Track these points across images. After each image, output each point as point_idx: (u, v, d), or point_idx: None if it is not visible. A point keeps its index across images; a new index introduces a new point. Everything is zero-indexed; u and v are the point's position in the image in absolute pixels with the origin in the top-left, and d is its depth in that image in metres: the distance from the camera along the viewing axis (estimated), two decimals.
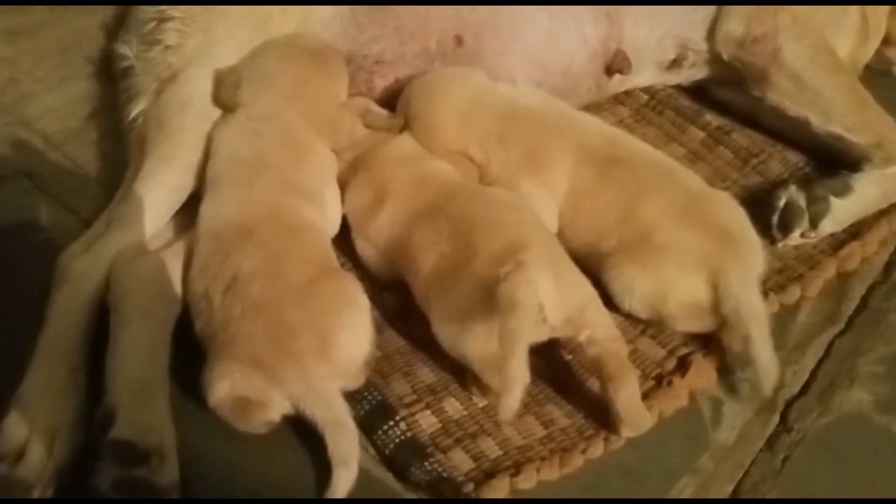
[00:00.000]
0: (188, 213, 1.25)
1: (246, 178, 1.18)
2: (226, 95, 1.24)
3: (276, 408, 1.02)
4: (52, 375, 1.06)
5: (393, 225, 1.20)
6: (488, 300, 1.02)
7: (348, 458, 0.98)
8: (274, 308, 1.04)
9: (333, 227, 1.25)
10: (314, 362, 1.02)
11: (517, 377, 0.96)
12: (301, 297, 1.06)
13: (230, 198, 1.17)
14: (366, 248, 1.23)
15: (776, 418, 1.15)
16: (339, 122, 1.28)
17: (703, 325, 1.16)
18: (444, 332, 1.09)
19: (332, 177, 1.27)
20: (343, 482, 0.98)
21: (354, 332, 1.07)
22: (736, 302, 1.11)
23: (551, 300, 1.04)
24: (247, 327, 1.03)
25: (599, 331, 1.08)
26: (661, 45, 1.53)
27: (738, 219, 1.21)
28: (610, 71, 1.51)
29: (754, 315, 1.11)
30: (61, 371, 1.07)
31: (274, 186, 1.18)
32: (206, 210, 1.18)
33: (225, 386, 1.01)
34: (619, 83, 1.55)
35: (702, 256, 1.15)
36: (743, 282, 1.14)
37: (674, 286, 1.15)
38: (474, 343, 1.05)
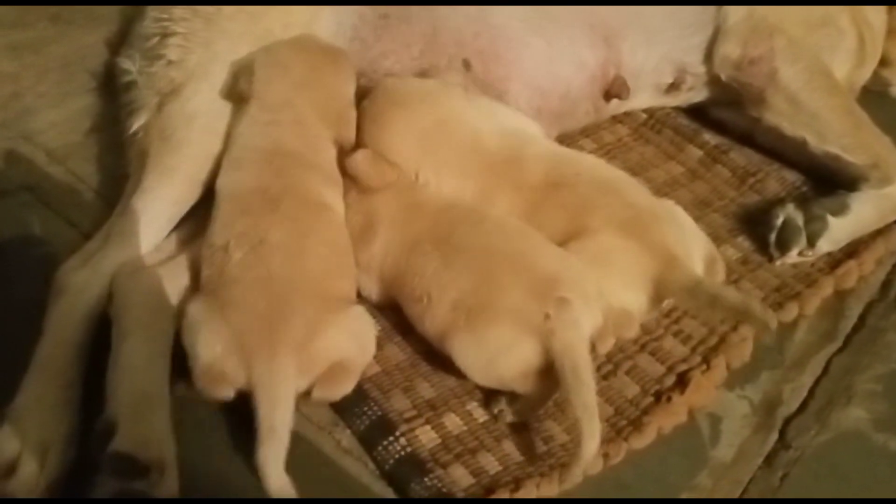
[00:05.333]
0: (189, 225, 1.26)
1: (264, 158, 1.19)
2: (241, 84, 1.25)
3: (239, 386, 1.03)
4: (47, 390, 1.06)
5: (386, 255, 1.18)
6: (529, 327, 1.05)
7: (264, 465, 0.97)
8: (284, 288, 1.06)
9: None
10: (286, 354, 1.01)
11: (594, 403, 1.00)
12: (311, 287, 1.07)
13: (250, 169, 1.18)
14: (359, 276, 1.20)
15: (775, 436, 1.15)
16: (348, 115, 1.28)
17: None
18: (476, 364, 1.08)
19: (339, 173, 1.25)
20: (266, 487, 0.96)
21: (342, 333, 1.07)
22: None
23: (594, 328, 1.08)
24: (252, 296, 1.04)
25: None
26: (658, 69, 1.54)
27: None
28: (608, 96, 1.52)
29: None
30: (56, 386, 1.07)
31: (293, 164, 1.19)
32: (226, 179, 1.18)
33: (208, 357, 1.03)
34: (616, 107, 1.57)
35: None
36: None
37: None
38: (515, 365, 1.06)
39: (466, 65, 1.42)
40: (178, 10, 1.32)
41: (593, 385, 1.02)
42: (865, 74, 1.60)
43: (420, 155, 1.24)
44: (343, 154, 1.24)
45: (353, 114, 1.28)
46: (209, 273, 1.10)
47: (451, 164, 1.25)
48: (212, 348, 1.03)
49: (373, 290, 1.22)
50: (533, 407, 1.10)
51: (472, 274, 1.10)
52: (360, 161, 1.21)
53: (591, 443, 1.00)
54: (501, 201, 1.23)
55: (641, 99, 1.58)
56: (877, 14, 1.58)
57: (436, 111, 1.27)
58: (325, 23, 1.37)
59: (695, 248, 1.21)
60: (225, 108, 1.27)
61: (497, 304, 1.07)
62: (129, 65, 1.34)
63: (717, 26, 1.49)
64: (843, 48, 1.53)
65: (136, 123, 1.29)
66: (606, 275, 1.13)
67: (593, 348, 1.10)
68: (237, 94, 1.26)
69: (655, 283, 1.13)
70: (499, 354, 1.07)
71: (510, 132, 1.29)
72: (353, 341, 1.09)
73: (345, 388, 1.09)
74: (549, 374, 1.05)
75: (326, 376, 1.06)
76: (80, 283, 1.16)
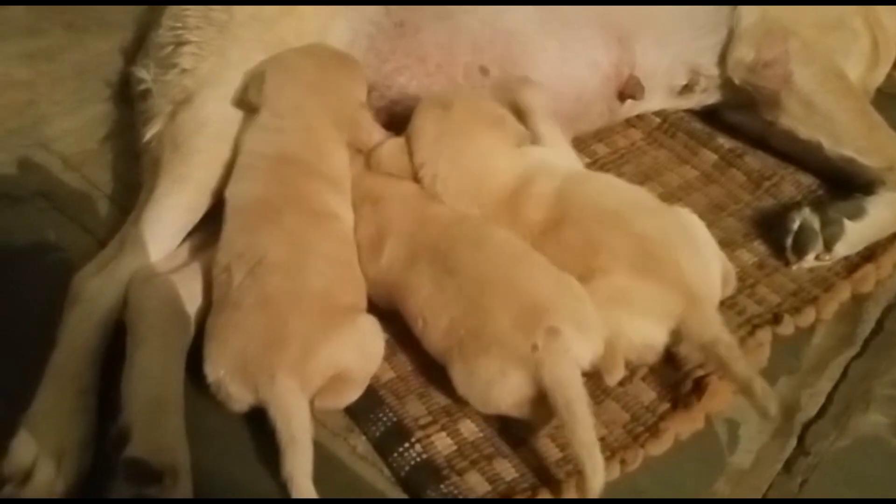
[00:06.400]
0: (203, 232, 1.26)
1: (270, 167, 1.19)
2: (251, 94, 1.25)
3: (250, 403, 1.05)
4: (62, 396, 1.07)
5: (390, 270, 1.18)
6: (516, 358, 1.03)
7: (294, 476, 0.97)
8: (281, 309, 1.06)
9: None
10: (286, 375, 1.02)
11: (591, 441, 0.98)
12: (310, 304, 1.07)
13: (254, 178, 1.19)
14: (367, 285, 1.19)
15: (793, 441, 1.14)
16: (360, 119, 1.28)
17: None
18: (471, 393, 1.07)
19: (348, 179, 1.25)
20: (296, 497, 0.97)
21: (344, 345, 1.07)
22: None
23: (587, 354, 1.06)
24: (251, 320, 1.05)
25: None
26: (672, 70, 1.54)
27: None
28: (622, 96, 1.51)
29: None
30: (71, 392, 1.07)
31: (298, 172, 1.19)
32: (232, 190, 1.19)
33: (214, 378, 1.05)
34: (631, 108, 1.56)
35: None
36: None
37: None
38: (508, 396, 1.04)
39: (484, 71, 1.41)
40: (192, 19, 1.33)
41: (590, 419, 0.99)
42: (879, 77, 1.60)
43: (426, 156, 1.24)
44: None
45: (365, 117, 1.28)
46: (217, 293, 1.11)
47: (443, 179, 1.23)
48: (216, 371, 1.05)
49: (381, 301, 1.21)
50: (537, 427, 1.08)
51: (462, 300, 1.08)
52: (386, 148, 1.23)
53: (595, 479, 0.97)
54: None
55: (655, 100, 1.57)
56: (890, 16, 1.57)
57: (465, 131, 1.25)
58: (340, 31, 1.38)
59: (712, 267, 1.18)
60: (237, 115, 1.27)
61: (485, 334, 1.05)
62: (145, 73, 1.34)
63: (730, 28, 1.49)
64: (856, 51, 1.52)
65: (150, 132, 1.29)
66: (627, 314, 1.10)
67: (600, 378, 1.07)
68: (247, 103, 1.26)
69: (677, 320, 1.10)
70: (490, 385, 1.05)
71: (527, 171, 1.25)
72: (356, 352, 1.09)
73: (348, 398, 1.10)
74: (546, 401, 1.02)
75: (327, 388, 1.06)
76: (96, 290, 1.16)
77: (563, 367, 1.01)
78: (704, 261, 1.18)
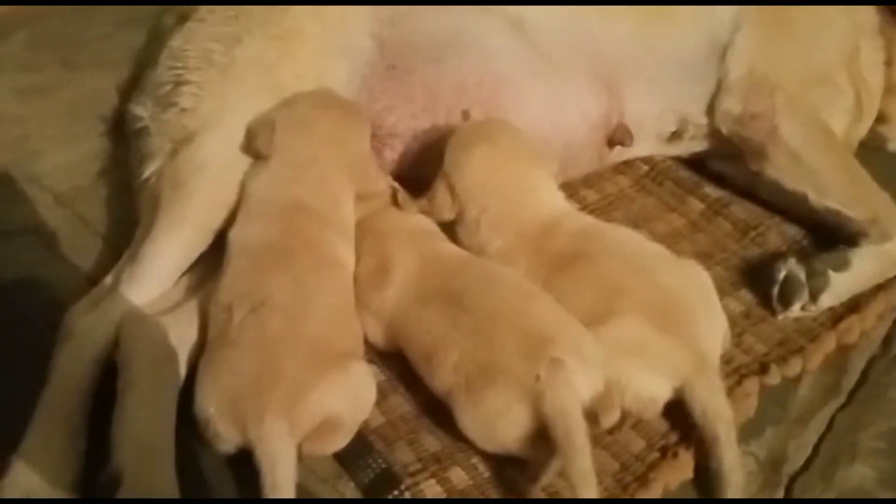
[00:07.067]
0: (197, 272, 1.26)
1: (285, 213, 1.21)
2: (261, 143, 1.26)
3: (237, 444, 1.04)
4: (52, 437, 1.06)
5: (398, 304, 1.19)
6: (522, 390, 1.03)
7: None
8: (278, 351, 1.06)
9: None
10: (276, 418, 1.01)
11: (589, 470, 0.98)
12: (306, 349, 1.07)
13: (269, 224, 1.19)
14: (367, 319, 1.20)
15: (780, 493, 1.15)
16: (368, 169, 1.30)
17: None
18: (475, 428, 1.08)
19: (353, 228, 1.27)
20: None
21: (335, 392, 1.07)
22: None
23: (587, 390, 1.06)
24: (246, 360, 1.05)
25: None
26: (661, 118, 1.56)
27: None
28: (611, 143, 1.54)
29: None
30: (61, 432, 1.07)
31: (312, 221, 1.21)
32: (241, 233, 1.20)
33: (203, 416, 1.05)
34: (619, 154, 1.58)
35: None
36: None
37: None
38: (513, 429, 1.05)
39: (465, 115, 1.43)
40: (193, 60, 1.34)
41: (588, 450, 1.00)
42: (863, 130, 1.63)
43: (476, 192, 1.27)
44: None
45: (372, 167, 1.31)
46: (213, 332, 1.11)
47: (492, 214, 1.27)
48: (206, 410, 1.04)
49: (379, 337, 1.22)
50: (532, 474, 1.07)
51: (475, 336, 1.10)
52: (440, 188, 1.27)
53: None
54: (519, 266, 1.23)
55: (643, 147, 1.60)
56: (873, 72, 1.61)
57: (515, 164, 1.30)
58: (339, 73, 1.39)
59: (717, 328, 1.20)
60: (237, 158, 1.27)
61: (493, 367, 1.07)
62: (141, 111, 1.35)
63: (719, 79, 1.52)
64: (841, 105, 1.55)
65: (149, 170, 1.30)
66: (638, 365, 1.12)
67: (596, 420, 1.07)
68: (254, 149, 1.27)
69: (682, 379, 1.11)
70: (495, 418, 1.06)
71: (561, 205, 1.31)
72: (347, 398, 1.09)
73: (335, 444, 1.10)
74: (548, 438, 1.03)
75: (315, 433, 1.06)
76: (88, 328, 1.16)
77: (564, 397, 1.03)
78: (716, 322, 1.20)
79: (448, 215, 1.29)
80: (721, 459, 1.07)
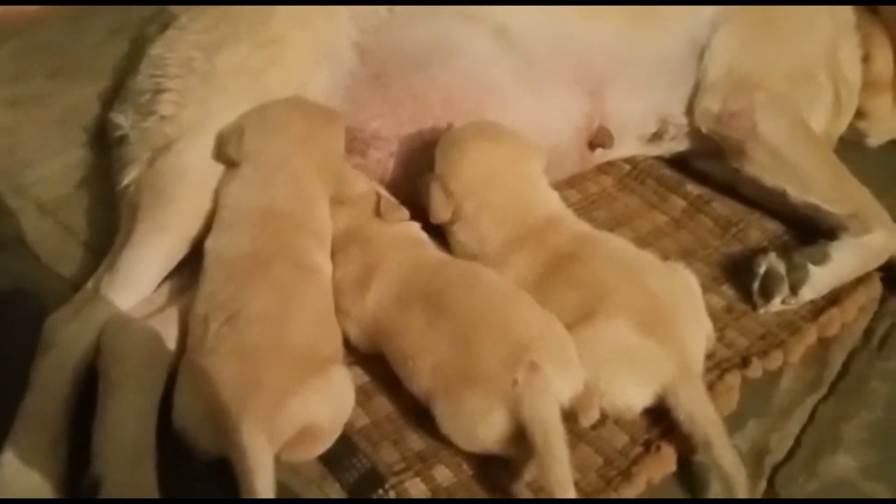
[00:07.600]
0: (178, 278, 1.26)
1: (258, 221, 1.20)
2: (231, 149, 1.25)
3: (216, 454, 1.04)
4: (33, 444, 1.06)
5: (378, 309, 1.18)
6: (502, 393, 1.04)
7: None
8: (257, 359, 1.06)
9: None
10: (254, 428, 1.00)
11: (566, 478, 0.98)
12: (286, 357, 1.07)
13: (242, 233, 1.19)
14: (347, 325, 1.21)
15: (763, 484, 1.15)
16: (345, 173, 1.30)
17: None
18: (456, 431, 1.08)
19: (330, 232, 1.27)
20: None
21: (315, 398, 1.06)
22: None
23: (567, 392, 1.07)
24: (224, 368, 1.04)
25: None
26: (642, 120, 1.57)
27: None
28: (593, 146, 1.55)
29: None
30: (43, 440, 1.07)
31: (285, 227, 1.20)
32: (216, 243, 1.19)
33: (182, 425, 1.05)
34: (601, 155, 1.59)
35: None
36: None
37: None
38: (494, 431, 1.05)
39: (450, 126, 1.44)
40: (173, 67, 1.34)
41: (566, 456, 1.00)
42: (842, 126, 1.65)
43: (475, 187, 1.28)
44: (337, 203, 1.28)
45: (349, 169, 1.31)
46: (191, 342, 1.11)
47: (494, 207, 1.27)
48: (184, 418, 1.05)
49: (361, 342, 1.22)
50: (516, 471, 1.08)
51: (454, 339, 1.10)
52: (436, 189, 1.27)
53: None
54: (519, 258, 1.23)
55: (625, 148, 1.61)
56: (852, 68, 1.63)
57: (512, 157, 1.31)
58: (322, 81, 1.40)
59: (703, 332, 1.21)
60: (218, 164, 1.28)
61: (471, 371, 1.07)
62: (122, 119, 1.35)
63: (697, 79, 1.53)
64: (820, 102, 1.57)
65: (128, 178, 1.30)
66: (618, 371, 1.12)
67: (575, 419, 1.08)
68: (224, 157, 1.26)
69: (665, 386, 1.12)
70: (474, 422, 1.06)
71: (557, 201, 1.33)
72: (327, 404, 1.09)
73: (315, 450, 1.09)
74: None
75: (294, 440, 1.06)
76: (69, 336, 1.16)
77: (541, 402, 1.02)
78: (701, 328, 1.21)
79: (445, 215, 1.29)
80: (719, 462, 1.08)
